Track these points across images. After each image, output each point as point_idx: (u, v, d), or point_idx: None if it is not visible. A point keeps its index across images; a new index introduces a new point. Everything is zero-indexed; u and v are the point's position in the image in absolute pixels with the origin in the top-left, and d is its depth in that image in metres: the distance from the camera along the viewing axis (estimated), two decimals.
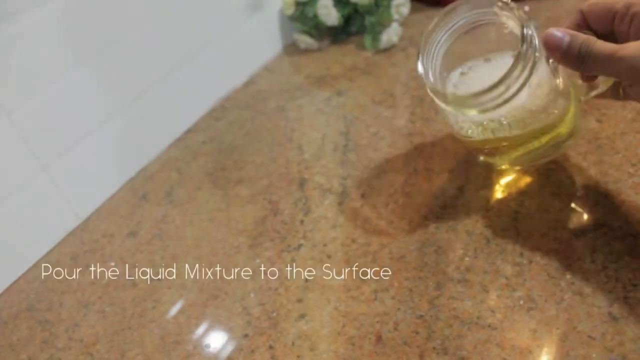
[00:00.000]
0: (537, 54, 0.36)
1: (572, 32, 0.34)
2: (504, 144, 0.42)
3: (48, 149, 0.51)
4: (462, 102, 0.39)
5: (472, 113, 0.39)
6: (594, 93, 0.40)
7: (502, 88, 0.37)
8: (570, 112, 0.41)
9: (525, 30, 0.36)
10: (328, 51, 0.75)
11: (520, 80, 0.37)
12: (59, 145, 0.52)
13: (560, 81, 0.39)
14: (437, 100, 0.41)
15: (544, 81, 0.38)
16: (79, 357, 0.41)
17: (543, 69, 0.37)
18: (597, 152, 0.46)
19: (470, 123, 0.41)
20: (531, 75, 0.37)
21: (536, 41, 0.37)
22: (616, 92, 0.39)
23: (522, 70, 0.36)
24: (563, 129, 0.41)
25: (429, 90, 0.41)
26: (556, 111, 0.40)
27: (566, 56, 0.34)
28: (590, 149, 0.47)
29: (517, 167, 0.47)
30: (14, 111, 0.47)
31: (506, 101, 0.37)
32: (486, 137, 0.41)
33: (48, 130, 0.51)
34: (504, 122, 0.39)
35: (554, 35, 0.35)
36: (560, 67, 0.38)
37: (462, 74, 0.44)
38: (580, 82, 0.41)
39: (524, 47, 0.36)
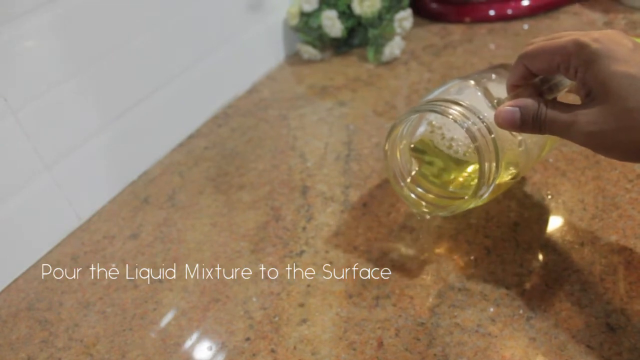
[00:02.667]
0: (492, 135, 0.37)
1: (522, 103, 0.34)
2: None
3: (51, 150, 0.51)
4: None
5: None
6: None
7: (483, 188, 0.38)
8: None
9: (466, 128, 0.37)
10: (331, 62, 0.76)
11: (494, 164, 0.37)
12: (63, 146, 0.52)
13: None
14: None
15: (506, 141, 0.38)
16: (79, 357, 0.41)
17: (503, 136, 0.38)
18: (595, 167, 0.47)
19: None
20: (499, 155, 0.37)
21: (485, 124, 0.37)
22: None
23: (490, 159, 0.37)
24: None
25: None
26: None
27: (523, 128, 0.34)
28: (589, 164, 0.48)
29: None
30: (20, 110, 0.48)
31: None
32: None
33: (52, 130, 0.51)
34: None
35: (504, 112, 0.34)
36: None
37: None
38: None
39: (476, 142, 0.37)
